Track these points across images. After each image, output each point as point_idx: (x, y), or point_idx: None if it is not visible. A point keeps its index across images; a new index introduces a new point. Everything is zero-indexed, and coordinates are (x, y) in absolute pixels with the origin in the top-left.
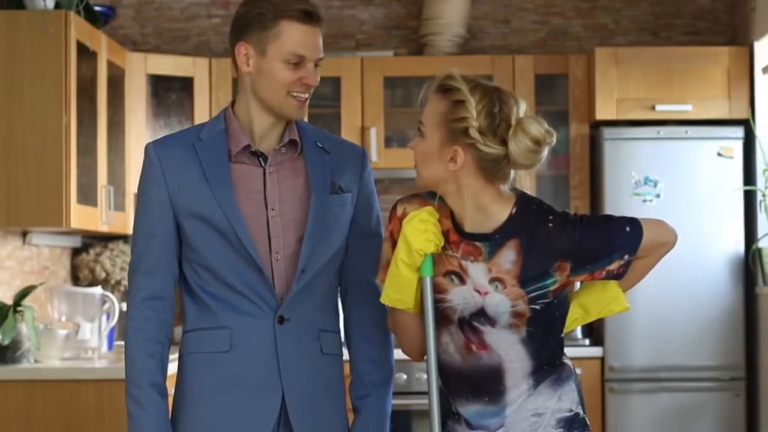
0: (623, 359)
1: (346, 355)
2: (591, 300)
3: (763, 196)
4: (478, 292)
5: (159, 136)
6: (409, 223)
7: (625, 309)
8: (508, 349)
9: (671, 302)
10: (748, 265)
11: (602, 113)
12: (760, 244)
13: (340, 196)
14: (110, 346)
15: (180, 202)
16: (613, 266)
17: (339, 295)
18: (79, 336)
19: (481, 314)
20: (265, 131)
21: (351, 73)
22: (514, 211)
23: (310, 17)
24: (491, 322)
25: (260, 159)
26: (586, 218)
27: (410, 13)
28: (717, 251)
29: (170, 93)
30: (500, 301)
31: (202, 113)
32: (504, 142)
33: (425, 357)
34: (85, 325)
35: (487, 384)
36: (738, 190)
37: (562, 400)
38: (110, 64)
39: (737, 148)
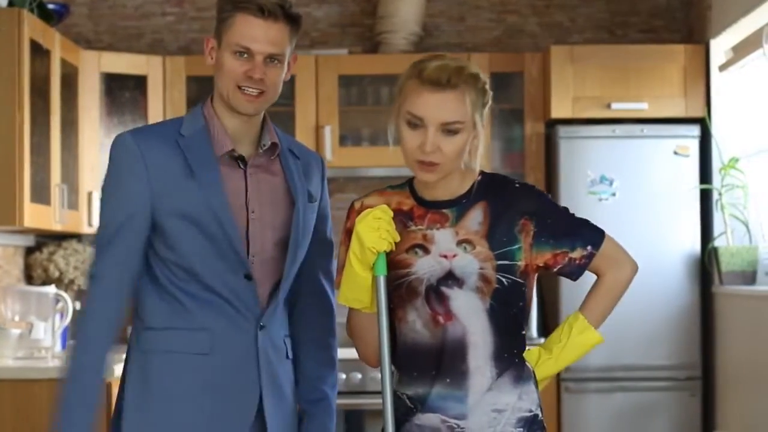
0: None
1: None
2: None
3: (720, 194)
4: (445, 257)
5: (113, 135)
6: (362, 220)
7: (600, 341)
8: (472, 317)
9: (627, 301)
10: (704, 264)
11: (558, 111)
12: (716, 243)
13: (311, 205)
14: (64, 346)
15: (164, 198)
16: (576, 255)
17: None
18: (32, 335)
19: (449, 277)
20: (240, 133)
21: (305, 72)
22: (479, 178)
23: (262, 11)
24: (459, 283)
25: (239, 161)
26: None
27: (365, 10)
28: (673, 250)
29: (124, 91)
30: (468, 262)
31: (155, 111)
32: None
33: None
34: (38, 325)
35: (451, 362)
36: (694, 189)
37: (523, 400)
38: (64, 62)
39: (693, 146)
